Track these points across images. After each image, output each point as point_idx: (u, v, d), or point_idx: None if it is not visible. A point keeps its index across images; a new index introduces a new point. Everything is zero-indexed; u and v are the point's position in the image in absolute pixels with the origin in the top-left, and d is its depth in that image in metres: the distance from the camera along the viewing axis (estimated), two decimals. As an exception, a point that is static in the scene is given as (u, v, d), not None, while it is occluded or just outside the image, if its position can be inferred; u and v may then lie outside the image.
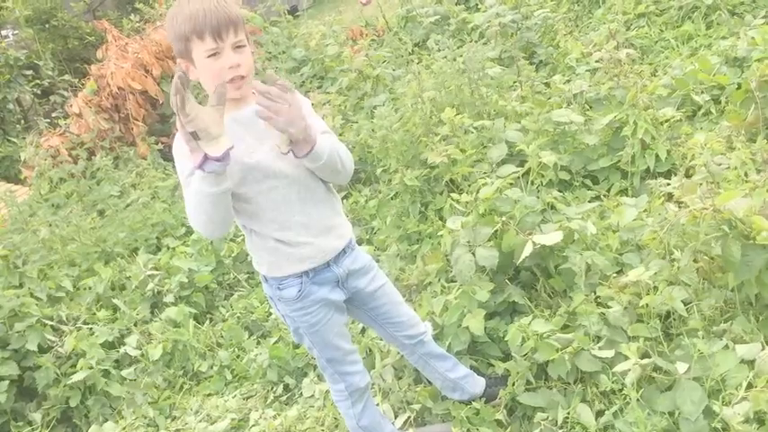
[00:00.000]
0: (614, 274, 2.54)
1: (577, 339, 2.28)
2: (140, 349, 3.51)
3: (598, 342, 2.29)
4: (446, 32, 6.33)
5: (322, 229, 1.95)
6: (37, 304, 3.61)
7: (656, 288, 2.33)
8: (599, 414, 2.21)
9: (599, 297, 2.47)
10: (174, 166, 5.55)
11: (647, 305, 2.29)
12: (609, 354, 2.22)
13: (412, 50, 6.07)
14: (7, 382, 3.22)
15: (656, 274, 2.35)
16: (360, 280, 2.10)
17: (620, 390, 2.15)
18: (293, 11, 8.71)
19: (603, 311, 2.36)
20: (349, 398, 2.21)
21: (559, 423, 2.22)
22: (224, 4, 1.73)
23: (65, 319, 3.63)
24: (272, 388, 3.15)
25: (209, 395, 3.27)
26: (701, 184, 2.51)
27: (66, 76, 10.32)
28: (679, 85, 3.63)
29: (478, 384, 2.49)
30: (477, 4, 6.89)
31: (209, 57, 1.73)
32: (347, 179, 1.99)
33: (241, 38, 1.76)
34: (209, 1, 1.72)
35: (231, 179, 1.73)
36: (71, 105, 6.19)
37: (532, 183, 3.19)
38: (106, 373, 3.37)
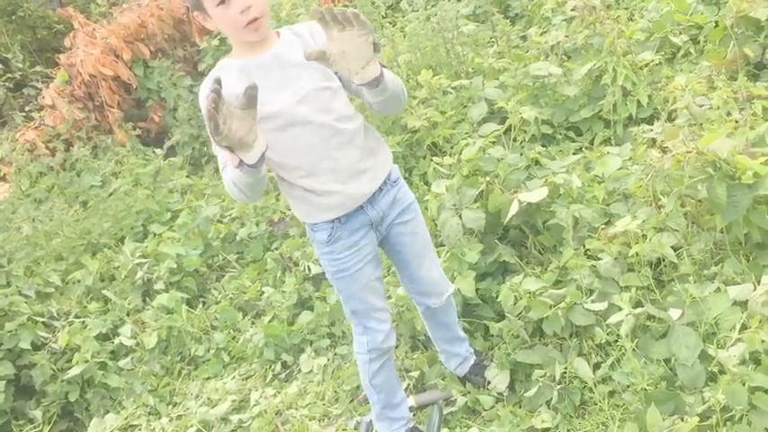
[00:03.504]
0: (602, 226, 2.53)
1: (570, 294, 2.28)
2: (135, 338, 3.48)
3: (590, 295, 2.29)
4: (419, -8, 6.20)
5: (352, 174, 1.88)
6: (26, 302, 3.56)
7: (644, 236, 2.32)
8: (596, 367, 2.21)
9: (588, 250, 2.46)
10: (154, 151, 5.51)
11: (636, 254, 2.28)
12: (602, 306, 2.21)
13: (385, 13, 5.95)
14: (4, 382, 3.19)
15: (643, 222, 2.34)
16: (396, 221, 2.04)
17: (616, 341, 2.15)
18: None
19: (594, 264, 2.35)
20: (368, 353, 2.16)
21: (557, 378, 2.22)
22: None
23: (56, 314, 3.59)
24: (270, 366, 3.14)
25: (207, 379, 3.26)
26: (683, 127, 2.48)
27: (38, 68, 10.11)
28: (656, 28, 3.58)
29: (461, 368, 2.49)
30: (448, -39, 6.74)
31: (218, 6, 1.68)
32: (400, 110, 1.94)
33: None
34: None
35: None
36: (43, 97, 6.06)
37: (515, 139, 3.16)
38: (103, 366, 3.34)
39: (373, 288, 2.07)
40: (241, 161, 1.62)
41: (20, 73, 10.00)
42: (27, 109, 7.49)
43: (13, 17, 11.35)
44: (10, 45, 10.68)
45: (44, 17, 11.77)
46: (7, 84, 9.77)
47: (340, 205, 1.90)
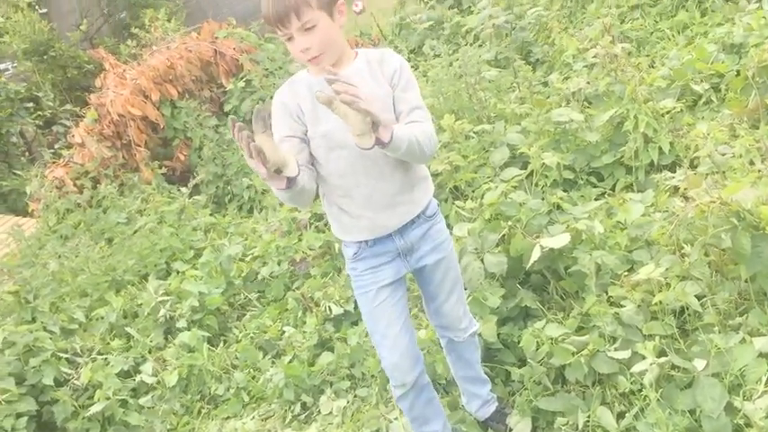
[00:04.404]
0: (625, 273, 2.52)
1: (592, 341, 2.27)
2: (156, 376, 3.50)
3: (613, 343, 2.27)
4: (441, 37, 6.33)
5: (385, 205, 1.94)
6: (51, 338, 3.60)
7: (668, 284, 2.31)
8: (620, 416, 2.19)
9: (611, 297, 2.45)
10: (179, 189, 5.60)
11: (660, 302, 2.27)
12: (625, 354, 2.20)
13: (408, 57, 6.07)
14: (26, 418, 3.21)
15: (667, 270, 2.33)
16: (426, 258, 2.07)
17: (640, 390, 2.13)
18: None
19: (617, 311, 2.34)
20: (390, 379, 2.15)
21: (580, 427, 2.20)
22: None
23: (79, 350, 3.63)
24: (289, 407, 3.13)
25: (227, 418, 3.26)
26: (706, 176, 2.49)
27: (68, 106, 10.38)
28: (677, 76, 3.61)
29: (482, 412, 2.47)
30: (470, 7, 6.88)
31: (287, 41, 1.81)
32: (428, 160, 1.98)
33: (306, 20, 1.75)
34: None
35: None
36: (73, 135, 6.21)
37: (537, 184, 3.18)
38: (124, 403, 3.36)
39: (385, 313, 2.07)
40: (287, 181, 1.69)
41: (50, 111, 10.28)
42: (56, 146, 7.68)
43: (45, 56, 11.69)
44: (41, 84, 10.99)
45: (75, 57, 12.10)
46: (37, 121, 10.04)
47: (368, 230, 1.98)
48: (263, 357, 3.48)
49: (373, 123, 1.64)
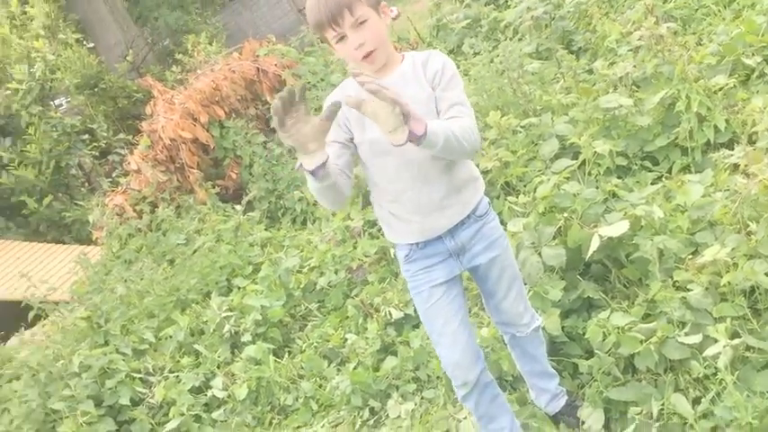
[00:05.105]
0: (689, 256, 2.46)
1: (661, 328, 2.23)
2: (226, 390, 3.57)
3: (683, 328, 2.23)
4: (479, 35, 6.30)
5: (433, 209, 1.94)
6: (123, 359, 3.74)
7: (735, 264, 2.25)
8: (695, 402, 2.14)
9: (677, 281, 2.40)
10: (233, 207, 5.72)
11: (728, 283, 2.21)
12: (696, 339, 2.15)
13: (448, 58, 6.06)
14: (106, 438, 3.35)
15: (733, 249, 2.27)
16: (479, 257, 2.06)
17: (714, 374, 2.08)
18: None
19: (684, 296, 2.29)
20: (451, 379, 2.14)
21: (655, 415, 2.16)
22: None
23: (151, 370, 3.74)
24: (358, 413, 3.16)
25: (298, 428, 3.31)
26: (767, 150, 2.43)
27: (121, 135, 10.74)
28: (727, 51, 3.51)
29: (551, 406, 2.45)
30: (506, 2, 6.84)
31: (337, 42, 1.82)
32: (472, 155, 1.93)
33: (359, 15, 1.77)
34: None
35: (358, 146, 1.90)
36: (129, 163, 6.41)
37: (590, 173, 3.14)
38: (198, 418, 3.45)
39: (441, 311, 2.06)
40: (301, 164, 1.71)
41: (105, 141, 10.64)
42: (114, 175, 7.94)
43: (96, 89, 12.11)
44: (94, 116, 11.38)
45: (124, 87, 12.51)
46: (93, 152, 10.39)
47: (419, 232, 1.98)
48: (329, 366, 3.52)
49: (404, 115, 1.60)
